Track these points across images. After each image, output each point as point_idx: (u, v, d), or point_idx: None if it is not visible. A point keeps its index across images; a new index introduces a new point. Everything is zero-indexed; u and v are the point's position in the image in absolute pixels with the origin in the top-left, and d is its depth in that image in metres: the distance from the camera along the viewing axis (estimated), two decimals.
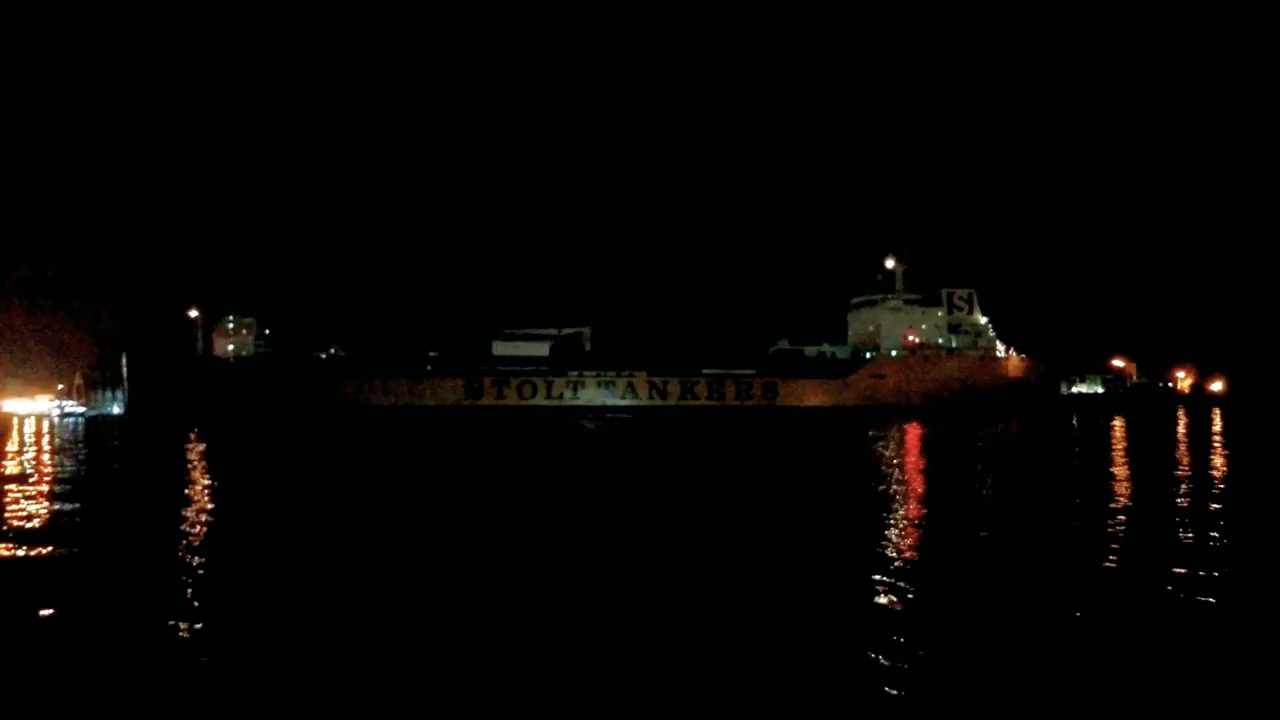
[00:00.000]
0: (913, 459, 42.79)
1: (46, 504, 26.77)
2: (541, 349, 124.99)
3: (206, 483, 33.63)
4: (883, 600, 14.22)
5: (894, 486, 30.19)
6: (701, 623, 13.17)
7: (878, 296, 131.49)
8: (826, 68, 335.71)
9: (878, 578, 15.64)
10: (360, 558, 18.31)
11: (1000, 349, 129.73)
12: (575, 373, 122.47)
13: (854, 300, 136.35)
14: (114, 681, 10.83)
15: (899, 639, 12.08)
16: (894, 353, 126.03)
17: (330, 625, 13.24)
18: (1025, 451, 49.49)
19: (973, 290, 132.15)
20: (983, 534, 20.74)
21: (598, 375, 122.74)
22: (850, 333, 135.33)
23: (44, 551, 18.84)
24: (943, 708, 9.99)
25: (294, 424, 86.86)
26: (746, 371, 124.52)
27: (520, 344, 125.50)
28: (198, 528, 22.06)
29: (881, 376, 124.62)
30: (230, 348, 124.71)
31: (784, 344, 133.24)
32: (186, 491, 30.23)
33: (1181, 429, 69.02)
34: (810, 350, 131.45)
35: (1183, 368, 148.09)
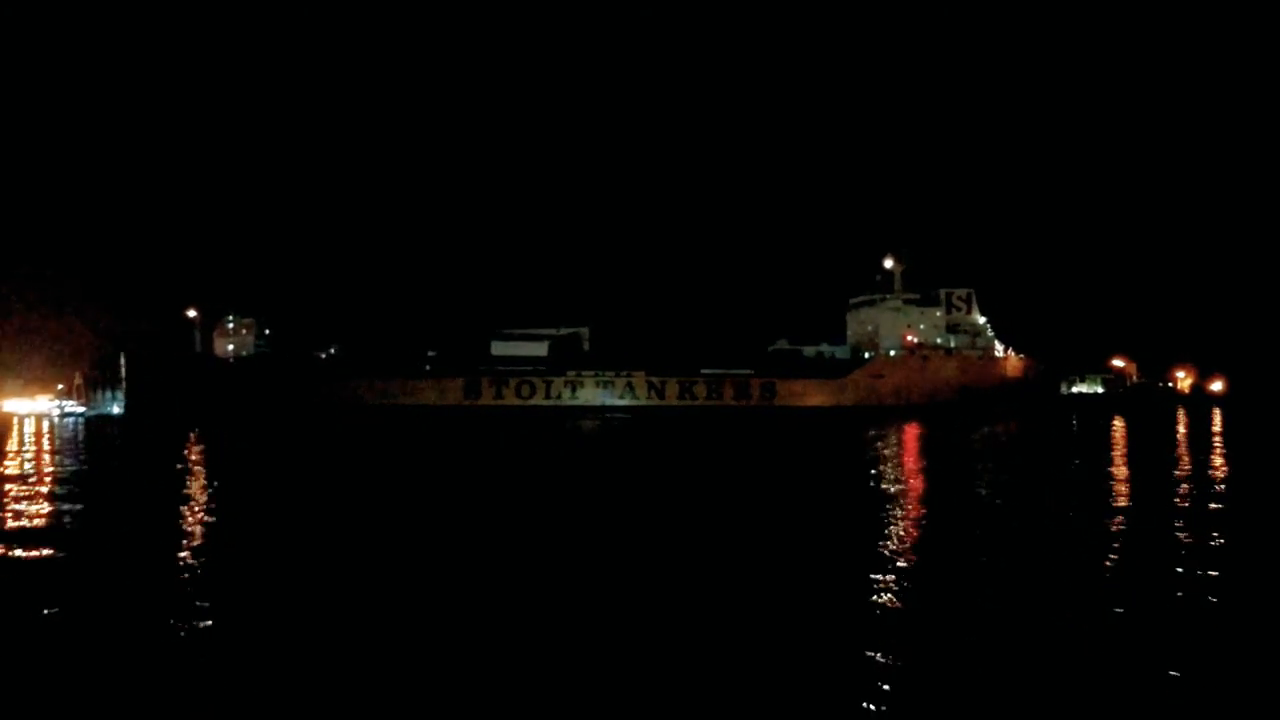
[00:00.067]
0: (911, 459, 42.80)
1: (46, 504, 26.77)
2: (540, 349, 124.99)
3: (206, 483, 33.62)
4: (881, 600, 14.23)
5: (893, 486, 30.22)
6: (701, 622, 13.18)
7: (876, 296, 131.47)
8: (826, 68, 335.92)
9: (876, 577, 15.66)
10: (360, 558, 18.32)
11: (999, 349, 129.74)
12: (574, 373, 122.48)
13: (853, 300, 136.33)
14: (115, 681, 10.84)
15: (898, 638, 12.10)
16: (893, 353, 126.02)
17: (330, 625, 13.25)
18: (1024, 451, 49.50)
19: (971, 290, 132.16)
20: (981, 533, 20.76)
21: (596, 375, 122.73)
22: (849, 333, 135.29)
23: (44, 551, 18.84)
24: (941, 707, 10.01)
25: (293, 424, 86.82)
26: (745, 371, 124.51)
27: (519, 344, 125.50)
28: (197, 528, 22.07)
29: (880, 376, 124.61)
30: (230, 348, 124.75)
31: (783, 344, 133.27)
32: (186, 491, 30.22)
33: (1181, 429, 69.05)
34: (809, 350, 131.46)
35: (1183, 368, 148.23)
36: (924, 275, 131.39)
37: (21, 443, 61.79)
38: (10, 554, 18.56)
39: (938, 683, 10.68)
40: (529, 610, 13.93)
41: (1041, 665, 11.22)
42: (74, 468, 40.14)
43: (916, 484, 31.59)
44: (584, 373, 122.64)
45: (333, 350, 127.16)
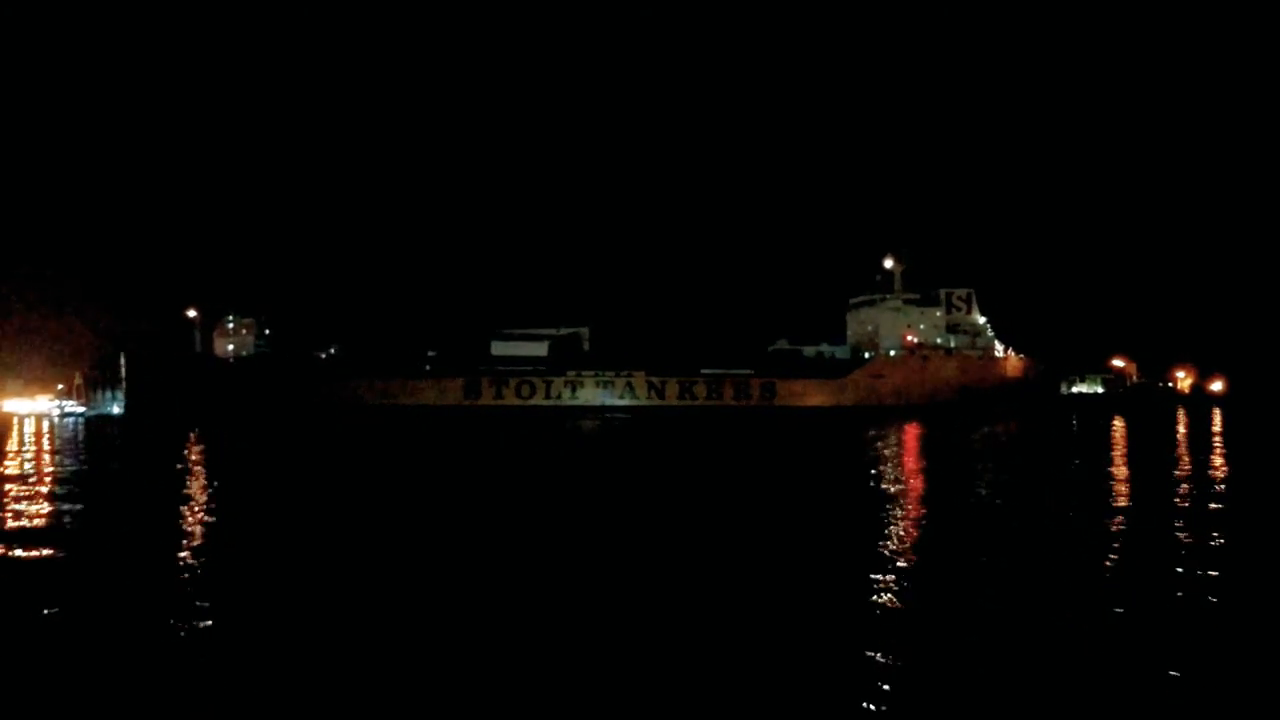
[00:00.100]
0: (911, 459, 42.80)
1: (46, 504, 26.77)
2: (540, 349, 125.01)
3: (206, 483, 33.62)
4: (881, 599, 14.23)
5: (893, 486, 30.21)
6: (701, 622, 13.18)
7: (876, 296, 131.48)
8: (825, 68, 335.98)
9: (876, 577, 15.66)
10: (359, 558, 18.32)
11: (999, 349, 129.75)
12: (573, 373, 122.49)
13: (853, 300, 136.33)
14: (115, 681, 10.84)
15: (898, 638, 12.10)
16: (892, 353, 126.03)
17: (330, 625, 13.25)
18: (1024, 451, 49.50)
19: (971, 290, 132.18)
20: (981, 533, 20.75)
21: (596, 375, 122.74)
22: (849, 333, 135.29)
23: (44, 551, 18.84)
24: (941, 707, 10.01)
25: (293, 424, 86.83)
26: (745, 371, 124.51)
27: (519, 344, 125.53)
28: (197, 528, 22.07)
29: (880, 376, 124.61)
30: (230, 348, 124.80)
31: (783, 344, 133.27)
32: (186, 491, 30.22)
33: (1181, 429, 69.05)
34: (809, 350, 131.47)
35: (1183, 368, 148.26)
36: (924, 275, 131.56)
37: (21, 443, 61.80)
38: (10, 554, 18.56)
39: (938, 683, 10.68)
40: (528, 610, 13.92)
41: (1041, 665, 11.22)
42: (74, 468, 40.14)
43: (916, 484, 31.59)
44: (584, 373, 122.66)
45: (333, 350, 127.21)
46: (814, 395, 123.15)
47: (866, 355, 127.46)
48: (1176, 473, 34.46)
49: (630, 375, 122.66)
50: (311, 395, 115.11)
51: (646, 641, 12.27)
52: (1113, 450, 47.92)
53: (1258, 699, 10.21)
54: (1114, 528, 21.25)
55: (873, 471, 35.46)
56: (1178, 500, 26.31)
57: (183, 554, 18.39)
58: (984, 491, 29.84)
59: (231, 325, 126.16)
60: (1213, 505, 25.12)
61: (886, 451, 46.64)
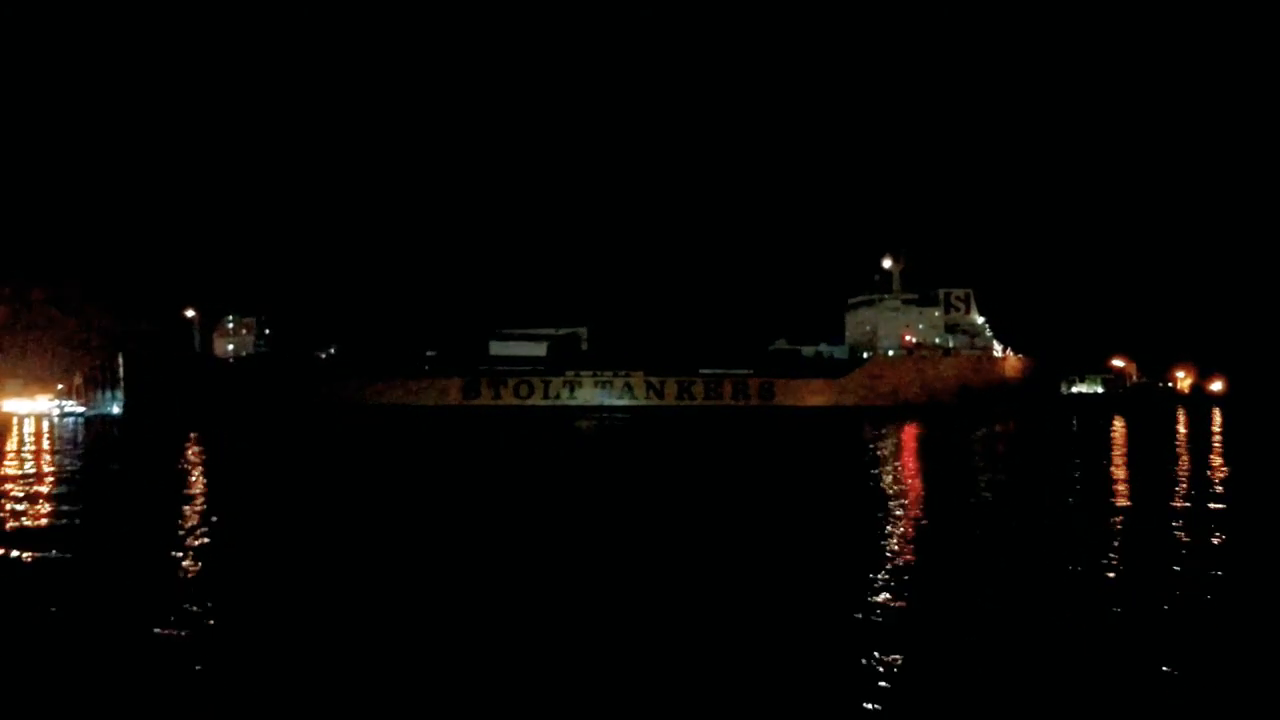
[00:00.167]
0: (910, 459, 42.82)
1: (46, 504, 26.76)
2: (538, 349, 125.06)
3: (205, 483, 33.62)
4: (881, 599, 14.24)
5: (892, 486, 30.23)
6: (700, 622, 13.19)
7: (875, 296, 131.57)
8: (824, 68, 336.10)
9: (876, 577, 15.67)
10: (359, 558, 18.33)
11: (998, 349, 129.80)
12: (572, 373, 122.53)
13: (851, 300, 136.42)
14: (114, 682, 10.84)
15: (898, 638, 12.11)
16: (891, 353, 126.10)
17: (330, 626, 13.25)
18: (1024, 451, 49.53)
19: (970, 290, 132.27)
20: (981, 533, 20.77)
21: (595, 375, 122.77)
22: (847, 333, 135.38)
23: (44, 552, 18.84)
24: (941, 707, 10.02)
25: (293, 424, 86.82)
26: (744, 371, 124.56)
27: (517, 344, 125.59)
28: (197, 528, 22.06)
29: (879, 376, 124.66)
30: (230, 348, 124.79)
31: (781, 344, 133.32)
32: (186, 491, 30.22)
33: (1181, 429, 69.10)
34: (807, 350, 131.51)
35: (1183, 368, 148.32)
36: (923, 275, 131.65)
37: (21, 443, 61.76)
38: (10, 554, 18.56)
39: (938, 683, 10.69)
40: (528, 610, 13.93)
41: (1041, 665, 11.23)
42: (74, 468, 40.13)
43: (916, 484, 31.60)
44: (582, 373, 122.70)
45: (333, 350, 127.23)
46: (813, 395, 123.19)
47: (865, 355, 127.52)
48: (1176, 473, 34.49)
49: (629, 375, 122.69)
50: (311, 395, 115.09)
51: (646, 642, 12.28)
52: (1112, 450, 47.96)
53: (1258, 699, 10.22)
54: (1114, 528, 21.27)
55: (872, 471, 35.48)
56: (1177, 500, 26.33)
57: (182, 554, 18.39)
58: (984, 492, 29.86)
59: (231, 325, 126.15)
60: (1213, 505, 25.14)
61: (885, 452, 46.66)
